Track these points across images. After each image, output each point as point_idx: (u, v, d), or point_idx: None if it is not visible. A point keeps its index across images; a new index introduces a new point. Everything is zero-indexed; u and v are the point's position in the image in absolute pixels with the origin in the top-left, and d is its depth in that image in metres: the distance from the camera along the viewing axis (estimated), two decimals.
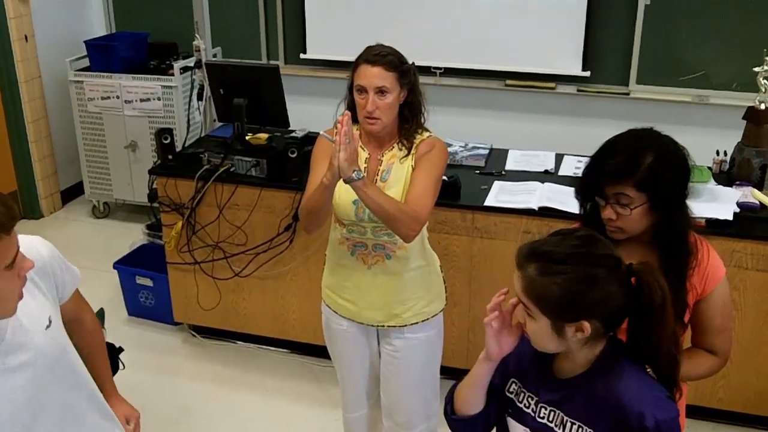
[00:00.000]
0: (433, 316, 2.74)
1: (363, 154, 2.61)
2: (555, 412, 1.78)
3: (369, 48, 2.55)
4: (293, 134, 4.04)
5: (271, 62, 5.45)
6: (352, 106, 2.59)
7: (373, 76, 2.47)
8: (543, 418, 1.80)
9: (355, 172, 2.32)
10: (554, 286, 1.64)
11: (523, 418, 1.85)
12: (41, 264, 1.88)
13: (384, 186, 2.56)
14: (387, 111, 2.51)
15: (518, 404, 1.87)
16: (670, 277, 2.07)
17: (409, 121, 2.59)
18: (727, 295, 2.19)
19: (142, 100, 5.24)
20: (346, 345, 2.84)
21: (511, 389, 1.90)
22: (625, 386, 1.68)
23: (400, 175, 2.57)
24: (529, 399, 1.85)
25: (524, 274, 1.68)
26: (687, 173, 2.07)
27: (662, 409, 1.65)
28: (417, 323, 2.71)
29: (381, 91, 2.48)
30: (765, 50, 3.46)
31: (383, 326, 2.72)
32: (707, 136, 3.94)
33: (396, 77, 2.50)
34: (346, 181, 2.35)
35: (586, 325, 1.65)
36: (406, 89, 2.55)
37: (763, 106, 3.45)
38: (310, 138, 3.82)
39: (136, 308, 4.40)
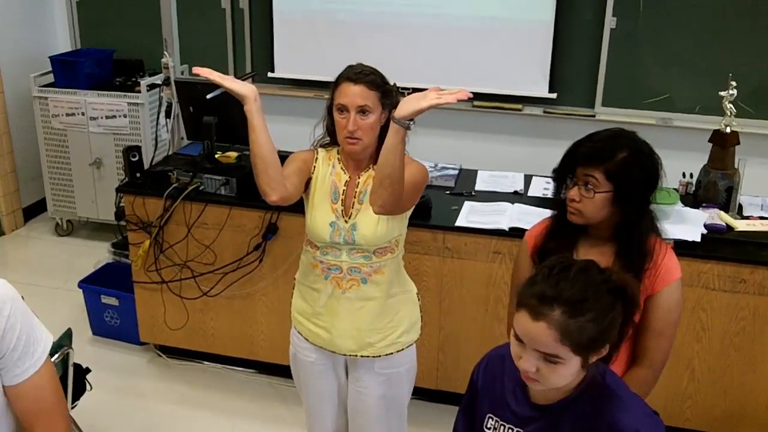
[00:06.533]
0: (407, 347, 2.63)
1: (344, 177, 2.52)
2: None
3: (350, 66, 2.44)
4: None
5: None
6: (331, 128, 2.51)
7: (355, 94, 2.36)
8: None
9: (413, 121, 2.16)
10: (589, 324, 1.61)
11: None
12: None
13: (362, 207, 2.47)
14: (368, 131, 2.40)
15: None
16: None
17: None
18: (675, 302, 2.21)
19: (107, 117, 5.19)
20: (313, 379, 2.72)
21: (488, 425, 1.88)
22: (617, 406, 1.68)
23: None
24: (510, 431, 1.83)
25: (551, 323, 1.59)
26: (655, 179, 2.17)
27: (654, 427, 1.70)
28: (391, 354, 2.59)
29: (363, 111, 2.37)
30: (730, 75, 3.52)
31: (355, 356, 2.59)
32: (672, 159, 3.92)
33: (378, 97, 2.39)
34: (396, 122, 2.16)
35: (606, 347, 1.68)
36: (388, 110, 2.41)
37: (728, 130, 3.51)
38: (280, 157, 3.77)
39: (100, 328, 4.33)
